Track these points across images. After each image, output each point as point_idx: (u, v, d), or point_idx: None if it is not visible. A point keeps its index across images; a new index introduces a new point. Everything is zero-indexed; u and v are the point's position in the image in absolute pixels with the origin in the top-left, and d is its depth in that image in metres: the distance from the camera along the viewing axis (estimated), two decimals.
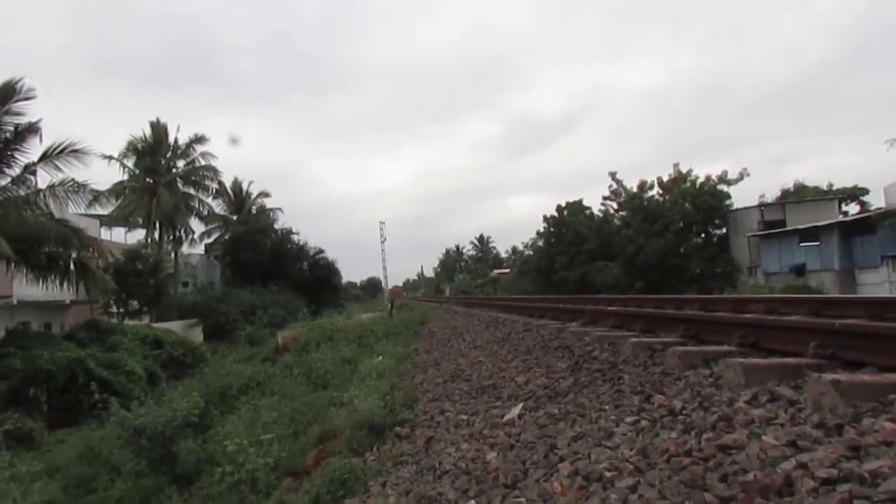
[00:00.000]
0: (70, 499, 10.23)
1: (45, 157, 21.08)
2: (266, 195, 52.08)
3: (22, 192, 20.98)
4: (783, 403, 3.20)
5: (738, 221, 34.58)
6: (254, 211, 50.97)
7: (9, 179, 20.89)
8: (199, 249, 49.55)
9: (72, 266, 22.34)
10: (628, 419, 3.90)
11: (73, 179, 21.58)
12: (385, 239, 47.58)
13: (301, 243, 48.00)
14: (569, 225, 44.47)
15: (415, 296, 69.11)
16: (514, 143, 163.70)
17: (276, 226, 49.06)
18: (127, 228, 40.88)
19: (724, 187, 35.11)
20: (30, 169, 21.01)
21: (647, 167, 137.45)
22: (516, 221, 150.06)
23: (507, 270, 69.06)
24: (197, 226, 44.13)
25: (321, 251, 48.78)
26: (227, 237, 47.17)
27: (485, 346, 10.18)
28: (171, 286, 37.73)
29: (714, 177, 35.38)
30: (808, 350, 3.92)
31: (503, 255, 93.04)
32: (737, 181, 35.02)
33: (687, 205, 34.89)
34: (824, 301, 7.02)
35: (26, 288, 23.29)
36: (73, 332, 22.99)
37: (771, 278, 29.87)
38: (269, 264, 42.91)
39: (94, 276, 23.15)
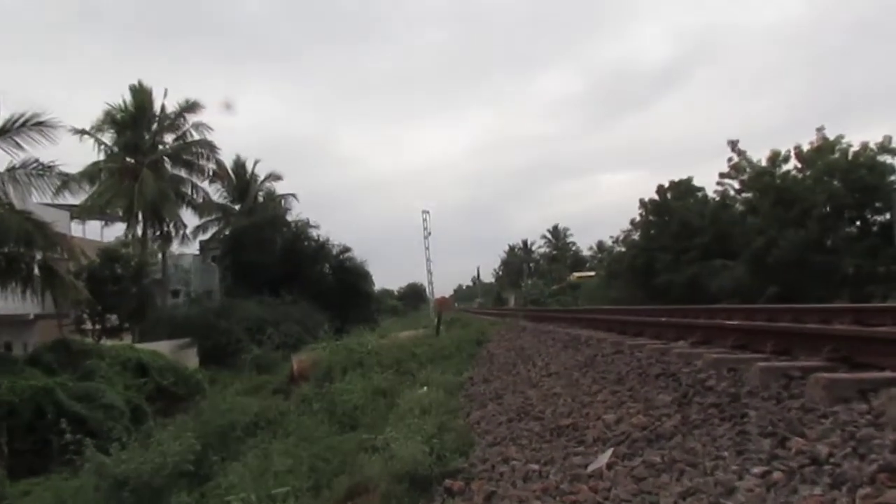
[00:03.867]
0: None
1: (1, 133, 21.74)
2: (277, 178, 53.40)
3: None
4: None
5: None
6: (261, 198, 52.29)
7: None
8: (193, 248, 51.18)
9: (36, 270, 23.00)
10: (756, 470, 3.87)
11: (36, 160, 22.22)
12: (430, 233, 47.59)
13: (322, 239, 48.84)
14: (674, 211, 43.96)
15: (469, 307, 69.25)
16: (603, 103, 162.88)
17: (290, 217, 50.32)
18: (103, 222, 42.13)
19: (887, 158, 34.10)
20: None
21: (780, 133, 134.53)
22: (604, 207, 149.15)
23: (592, 273, 68.76)
24: (190, 218, 45.49)
25: (347, 250, 49.48)
26: (226, 232, 48.45)
27: (562, 373, 10.17)
28: (158, 296, 38.71)
29: (873, 145, 34.44)
30: None
31: (585, 252, 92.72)
32: None
33: (836, 182, 34.00)
34: None
35: None
36: (38, 354, 23.51)
37: None
38: (280, 267, 43.65)
39: (64, 284, 23.78)
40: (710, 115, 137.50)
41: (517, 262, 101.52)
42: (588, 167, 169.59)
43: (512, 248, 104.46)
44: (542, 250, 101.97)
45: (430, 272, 48.61)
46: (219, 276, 49.69)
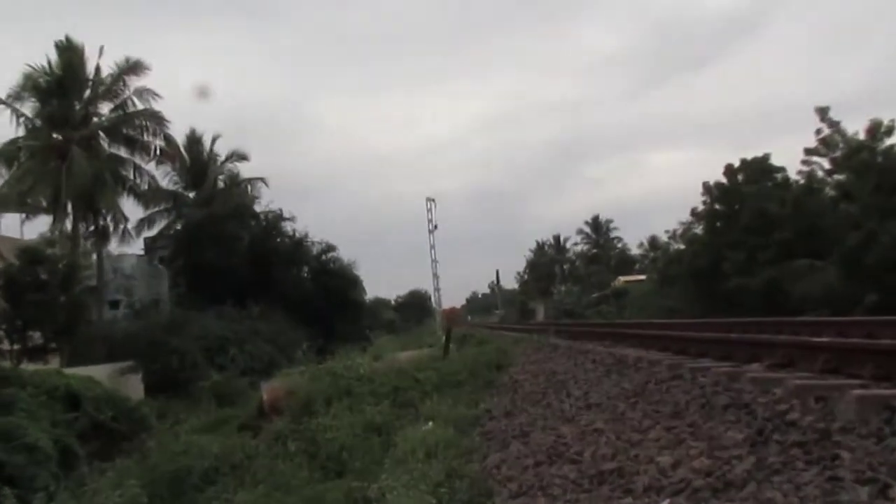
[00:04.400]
0: None
1: None
2: (242, 158, 53.80)
3: None
4: None
5: None
6: (221, 184, 52.81)
7: None
8: (137, 248, 51.68)
9: None
10: None
11: None
12: (435, 226, 48.03)
13: (299, 235, 49.51)
14: (747, 198, 43.69)
15: (486, 321, 69.30)
16: (654, 60, 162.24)
17: (259, 207, 50.93)
18: (23, 215, 41.95)
19: None
20: None
21: (882, 98, 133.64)
22: (657, 194, 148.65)
23: (642, 277, 68.64)
24: (132, 209, 45.76)
25: (331, 248, 50.60)
26: (178, 227, 48.95)
27: (604, 404, 10.22)
28: (92, 307, 38.90)
29: None
30: None
31: (634, 250, 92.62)
32: None
33: None
34: None
35: None
36: None
37: None
38: (246, 270, 44.06)
39: None
40: (793, 74, 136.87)
41: (547, 263, 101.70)
42: (636, 142, 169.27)
43: (540, 246, 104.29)
44: (578, 248, 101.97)
45: (436, 276, 48.90)
46: (168, 282, 50.06)
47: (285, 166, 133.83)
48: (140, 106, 43.00)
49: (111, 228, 43.70)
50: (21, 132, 40.64)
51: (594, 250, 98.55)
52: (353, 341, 36.74)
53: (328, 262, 49.83)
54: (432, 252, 46.94)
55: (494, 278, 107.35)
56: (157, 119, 43.45)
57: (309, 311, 44.88)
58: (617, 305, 60.70)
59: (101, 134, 42.83)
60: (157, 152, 45.02)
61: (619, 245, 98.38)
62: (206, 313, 39.73)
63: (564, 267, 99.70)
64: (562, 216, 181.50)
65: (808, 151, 41.64)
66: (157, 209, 49.29)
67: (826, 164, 41.04)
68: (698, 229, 48.52)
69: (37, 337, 33.88)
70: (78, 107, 41.85)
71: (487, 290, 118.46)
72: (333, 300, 47.37)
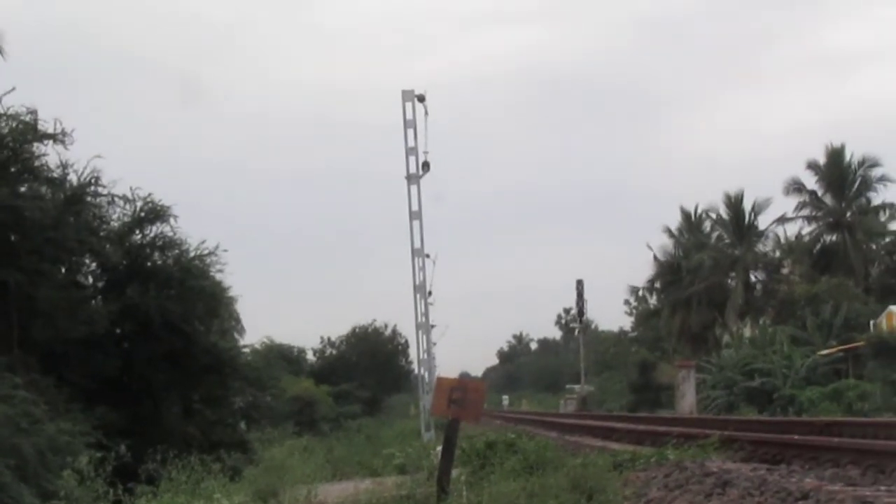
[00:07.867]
0: None
1: None
2: None
3: None
4: None
5: None
6: None
7: None
8: None
9: None
10: None
11: None
12: (425, 165, 48.35)
13: (75, 179, 48.20)
14: None
15: (542, 414, 72.16)
16: None
17: None
18: None
19: None
20: None
21: None
22: None
23: None
24: None
25: (157, 213, 50.42)
26: None
27: None
28: None
29: None
30: None
31: None
32: None
33: None
34: None
35: None
36: None
37: None
38: None
39: None
40: None
41: (708, 266, 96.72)
42: None
43: (690, 224, 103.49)
44: (787, 229, 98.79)
45: (422, 292, 48.94)
46: None
47: None
48: None
49: None
50: None
51: (829, 237, 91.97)
52: (209, 448, 38.17)
53: (147, 247, 47.10)
54: (414, 229, 44.50)
55: (574, 300, 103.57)
56: None
57: (96, 370, 42.53)
58: (881, 374, 54.87)
59: None
60: None
61: (892, 223, 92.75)
62: None
63: (754, 277, 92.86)
64: (743, 150, 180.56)
65: None
66: None
67: None
68: None
69: None
70: None
71: (552, 333, 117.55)
72: (156, 347, 43.97)
